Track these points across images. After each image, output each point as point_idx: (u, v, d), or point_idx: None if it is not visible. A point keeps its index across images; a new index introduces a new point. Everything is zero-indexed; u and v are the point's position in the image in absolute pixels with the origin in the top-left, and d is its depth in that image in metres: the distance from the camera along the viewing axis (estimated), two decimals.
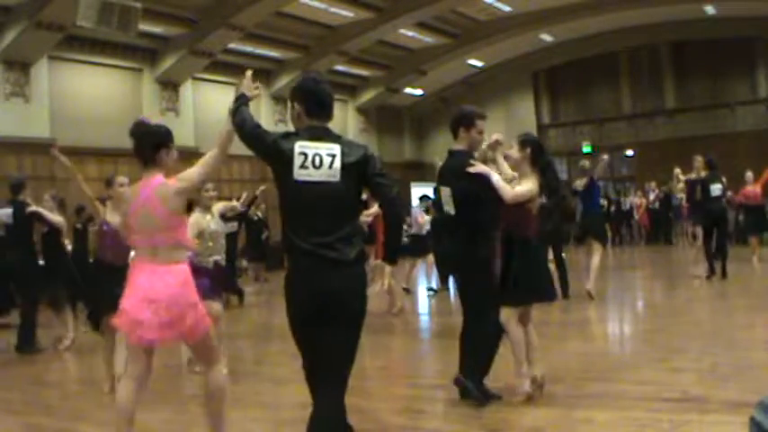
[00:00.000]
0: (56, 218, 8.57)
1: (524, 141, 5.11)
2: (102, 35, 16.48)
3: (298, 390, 5.79)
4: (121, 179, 5.97)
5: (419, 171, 27.66)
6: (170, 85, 19.27)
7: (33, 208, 8.52)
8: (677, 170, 12.22)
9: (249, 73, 3.81)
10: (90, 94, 17.57)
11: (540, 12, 21.81)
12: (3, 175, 15.57)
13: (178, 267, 3.79)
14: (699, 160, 11.77)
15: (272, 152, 3.49)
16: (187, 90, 19.83)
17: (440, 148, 28.79)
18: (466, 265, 4.94)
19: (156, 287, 3.70)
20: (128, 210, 3.96)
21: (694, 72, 24.43)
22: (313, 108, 3.60)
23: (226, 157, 3.92)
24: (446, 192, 4.96)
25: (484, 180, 4.81)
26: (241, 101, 3.71)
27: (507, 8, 21.82)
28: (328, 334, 3.39)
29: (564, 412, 4.69)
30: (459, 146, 5.02)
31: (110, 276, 5.79)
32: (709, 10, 21.52)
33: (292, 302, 3.46)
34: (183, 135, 19.18)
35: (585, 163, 10.64)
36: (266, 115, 22.24)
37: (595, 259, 9.90)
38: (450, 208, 4.95)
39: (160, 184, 3.84)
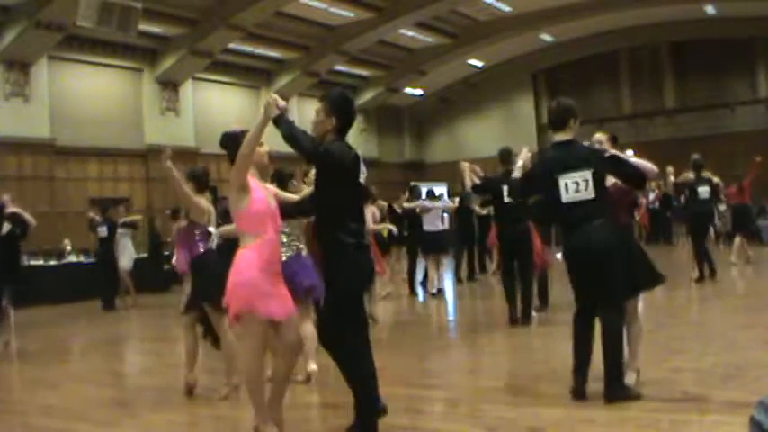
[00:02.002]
0: (32, 219, 8.96)
1: (616, 138, 5.38)
2: (102, 35, 16.49)
3: (298, 390, 5.79)
4: None
5: (419, 171, 27.67)
6: (170, 85, 19.28)
7: (14, 209, 8.82)
8: (670, 168, 12.16)
9: (272, 97, 4.10)
10: (90, 94, 17.58)
11: (540, 12, 21.82)
12: (3, 174, 15.61)
13: (239, 253, 4.16)
14: (693, 159, 11.73)
15: (356, 162, 4.19)
16: (187, 90, 19.83)
17: (440, 148, 28.93)
18: (614, 252, 4.76)
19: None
20: None
21: (694, 72, 24.44)
22: (347, 128, 4.24)
23: (244, 162, 4.10)
24: (578, 176, 4.78)
25: (621, 161, 4.87)
26: (287, 121, 4.06)
27: (507, 8, 21.84)
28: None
29: (564, 412, 4.68)
30: (567, 136, 4.97)
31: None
32: (710, 10, 21.52)
33: (355, 284, 4.16)
34: (183, 135, 19.23)
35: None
36: None
37: None
38: (583, 194, 4.77)
39: None
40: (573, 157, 4.83)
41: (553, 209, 4.96)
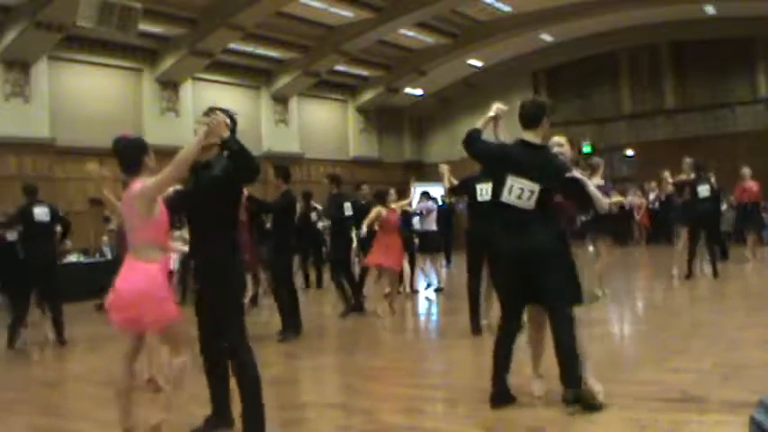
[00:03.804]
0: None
1: (573, 141, 5.43)
2: (102, 35, 16.49)
3: (297, 390, 5.80)
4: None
5: (419, 171, 27.66)
6: (170, 85, 19.27)
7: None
8: (666, 173, 12.30)
9: (222, 117, 4.20)
10: (90, 94, 17.57)
11: (540, 12, 21.81)
12: (3, 174, 15.61)
13: (147, 265, 4.10)
14: (687, 162, 11.91)
15: None
16: (187, 90, 19.83)
17: (440, 147, 28.88)
18: (554, 257, 4.71)
19: (126, 280, 4.11)
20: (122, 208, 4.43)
21: (694, 72, 24.42)
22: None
23: (182, 174, 4.19)
24: (525, 185, 4.67)
25: (578, 187, 4.81)
26: (236, 139, 4.19)
27: (507, 8, 21.82)
28: None
29: (564, 412, 4.68)
30: (537, 137, 4.84)
31: None
32: (709, 10, 21.51)
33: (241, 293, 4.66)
34: (183, 135, 19.15)
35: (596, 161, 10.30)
36: (266, 115, 22.28)
37: (599, 262, 9.83)
38: (524, 202, 4.69)
39: (133, 189, 4.16)
40: (533, 165, 4.69)
41: (493, 199, 4.94)
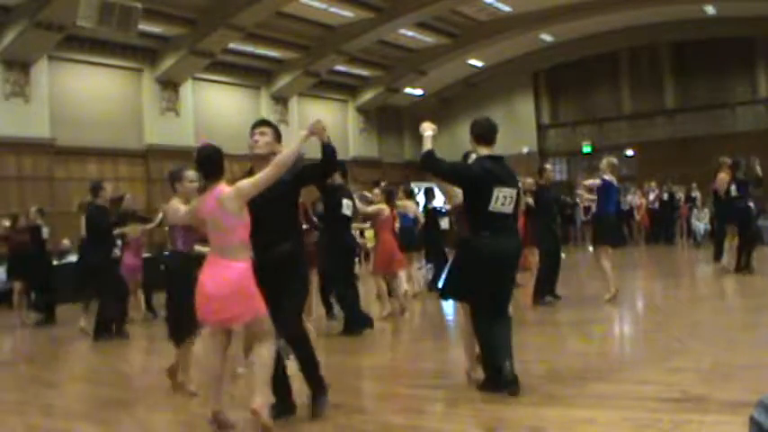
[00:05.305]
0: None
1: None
2: (102, 35, 16.49)
3: (298, 390, 5.79)
4: (191, 174, 5.73)
5: (419, 171, 27.66)
6: (170, 85, 19.27)
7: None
8: (722, 175, 12.50)
9: (323, 123, 4.78)
10: (90, 94, 17.57)
11: (540, 12, 21.83)
12: (3, 175, 15.61)
13: (237, 263, 4.32)
14: (726, 162, 12.27)
15: None
16: (187, 90, 19.83)
17: (440, 147, 28.70)
18: (516, 260, 5.53)
19: (215, 279, 4.32)
20: (201, 211, 4.55)
21: (694, 72, 24.45)
22: None
23: (279, 176, 4.41)
24: (508, 192, 5.26)
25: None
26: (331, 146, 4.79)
27: (507, 8, 21.84)
28: None
29: (564, 412, 4.68)
30: (494, 152, 5.45)
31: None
32: (709, 10, 21.53)
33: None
34: (183, 135, 19.23)
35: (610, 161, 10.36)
36: (266, 115, 22.27)
37: (605, 264, 9.81)
38: (507, 208, 5.29)
39: (222, 192, 4.38)
40: (506, 174, 5.37)
41: (474, 212, 5.31)
